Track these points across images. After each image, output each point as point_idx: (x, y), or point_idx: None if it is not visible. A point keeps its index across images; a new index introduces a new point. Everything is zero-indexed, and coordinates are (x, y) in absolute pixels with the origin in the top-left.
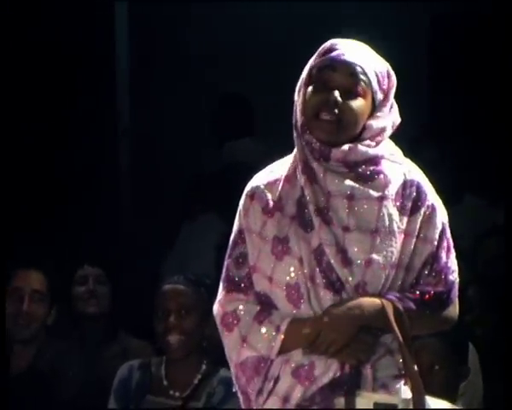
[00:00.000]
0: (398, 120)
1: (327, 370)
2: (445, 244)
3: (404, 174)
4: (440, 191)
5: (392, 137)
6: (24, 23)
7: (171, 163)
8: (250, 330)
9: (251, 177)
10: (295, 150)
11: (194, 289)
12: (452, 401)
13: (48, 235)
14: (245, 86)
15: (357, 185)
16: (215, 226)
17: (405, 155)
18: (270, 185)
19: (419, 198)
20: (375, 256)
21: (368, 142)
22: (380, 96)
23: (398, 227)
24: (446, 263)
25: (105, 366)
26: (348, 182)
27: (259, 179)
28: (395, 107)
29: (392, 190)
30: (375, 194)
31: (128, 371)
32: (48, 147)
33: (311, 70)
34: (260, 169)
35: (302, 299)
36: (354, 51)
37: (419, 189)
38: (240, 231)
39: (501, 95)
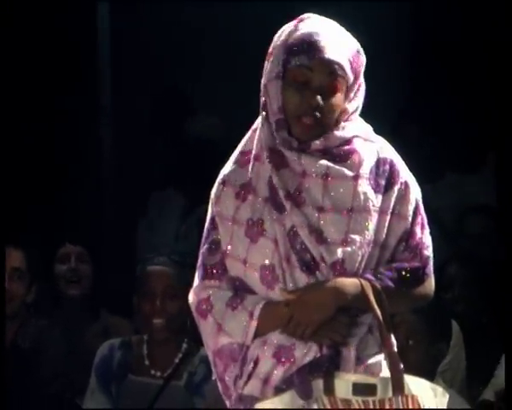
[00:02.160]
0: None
1: (308, 350)
2: (419, 220)
3: (377, 152)
4: (422, 168)
5: (373, 115)
6: (5, 21)
7: (153, 143)
8: (224, 316)
9: (214, 153)
10: (258, 127)
11: (179, 270)
12: (430, 378)
13: (28, 213)
14: (220, 75)
15: (332, 165)
16: (177, 202)
17: (387, 132)
18: (241, 169)
19: (392, 175)
20: (351, 235)
21: (342, 124)
22: (352, 77)
23: (373, 205)
24: (421, 239)
25: (86, 344)
26: (323, 162)
27: (230, 165)
28: (363, 84)
29: (366, 168)
30: (349, 173)
31: (109, 350)
32: (30, 130)
33: (285, 64)
34: (224, 146)
35: (277, 280)
36: (330, 45)
37: (392, 166)
38: (212, 219)
39: (483, 72)
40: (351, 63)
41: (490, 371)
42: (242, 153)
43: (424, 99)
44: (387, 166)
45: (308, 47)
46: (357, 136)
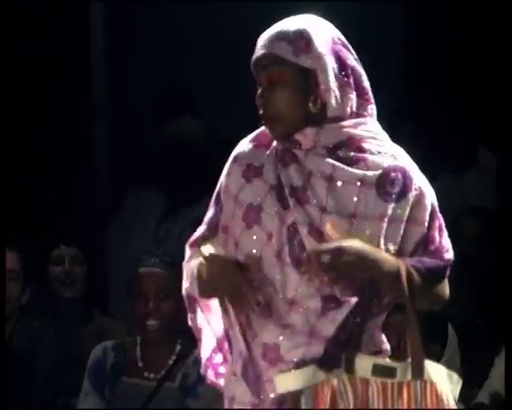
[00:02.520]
0: (364, 86)
1: (293, 348)
2: (436, 225)
3: (389, 160)
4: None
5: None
6: None
7: (146, 143)
8: (186, 267)
9: (191, 155)
10: None
11: (171, 272)
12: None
13: (22, 215)
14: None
15: (338, 167)
16: (156, 203)
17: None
18: (255, 150)
19: (405, 183)
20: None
21: (342, 123)
22: (307, 63)
23: (379, 213)
24: (440, 243)
25: (80, 346)
26: (329, 162)
27: (245, 143)
28: (355, 74)
29: (374, 175)
30: (355, 178)
31: (102, 352)
32: (24, 131)
33: None
34: (201, 148)
35: (260, 271)
36: (264, 41)
37: (405, 174)
38: (218, 193)
39: (477, 72)
40: (294, 50)
41: (484, 373)
42: (263, 134)
43: (418, 99)
44: (399, 175)
45: (254, 53)
46: (365, 140)
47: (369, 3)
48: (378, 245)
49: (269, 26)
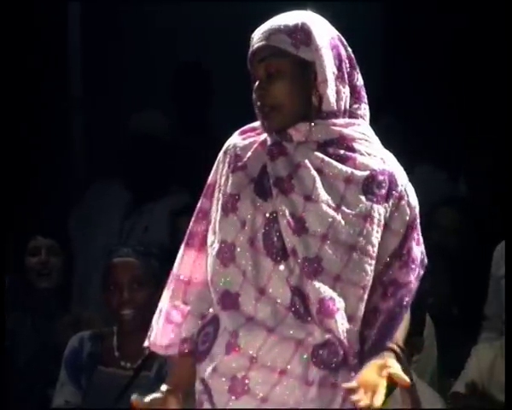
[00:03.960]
0: (357, 85)
1: (251, 341)
2: (415, 236)
3: (378, 162)
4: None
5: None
6: None
7: (123, 134)
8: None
9: (156, 149)
10: None
11: (144, 260)
12: (405, 372)
13: None
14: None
15: (327, 162)
16: (121, 197)
17: None
18: (244, 144)
19: (390, 189)
20: (331, 232)
21: (335, 121)
22: (307, 55)
23: (364, 212)
24: (416, 255)
25: (57, 337)
26: (319, 156)
27: (235, 136)
28: (349, 71)
29: (362, 175)
30: (343, 175)
31: (79, 343)
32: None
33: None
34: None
35: (232, 260)
36: (263, 34)
37: (391, 179)
38: (208, 186)
39: (457, 69)
40: (292, 41)
41: (461, 363)
42: (252, 129)
43: (397, 95)
44: (386, 178)
45: (250, 46)
46: (356, 140)
47: (349, 3)
48: (356, 243)
49: (246, 25)
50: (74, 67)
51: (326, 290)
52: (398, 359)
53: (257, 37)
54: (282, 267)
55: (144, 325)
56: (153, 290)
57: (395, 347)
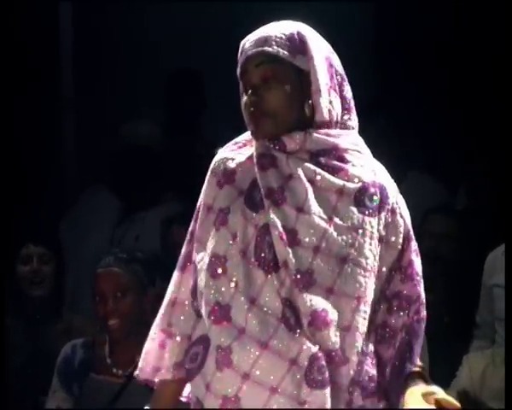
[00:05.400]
0: (347, 96)
1: (244, 356)
2: (413, 247)
3: (370, 174)
4: (387, 167)
5: None
6: None
7: (115, 137)
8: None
9: (147, 159)
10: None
11: (126, 268)
12: None
13: None
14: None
15: (319, 173)
16: (110, 203)
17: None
18: (229, 159)
19: (381, 201)
20: (323, 244)
21: (328, 131)
22: (303, 64)
23: (353, 224)
24: (418, 267)
25: (50, 345)
26: (311, 167)
27: (221, 152)
28: (341, 82)
29: (354, 187)
30: (335, 186)
31: (71, 350)
32: None
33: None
34: (158, 152)
35: (224, 273)
36: (252, 42)
37: (382, 191)
38: (197, 208)
39: (449, 70)
40: (289, 48)
41: (452, 371)
42: (235, 143)
43: (389, 98)
44: (378, 191)
45: (241, 55)
46: (348, 151)
47: (340, 3)
48: (348, 255)
49: (241, 27)
50: (66, 67)
51: (318, 302)
52: (426, 380)
53: (251, 43)
54: (273, 279)
55: (134, 332)
56: (139, 296)
57: (420, 369)
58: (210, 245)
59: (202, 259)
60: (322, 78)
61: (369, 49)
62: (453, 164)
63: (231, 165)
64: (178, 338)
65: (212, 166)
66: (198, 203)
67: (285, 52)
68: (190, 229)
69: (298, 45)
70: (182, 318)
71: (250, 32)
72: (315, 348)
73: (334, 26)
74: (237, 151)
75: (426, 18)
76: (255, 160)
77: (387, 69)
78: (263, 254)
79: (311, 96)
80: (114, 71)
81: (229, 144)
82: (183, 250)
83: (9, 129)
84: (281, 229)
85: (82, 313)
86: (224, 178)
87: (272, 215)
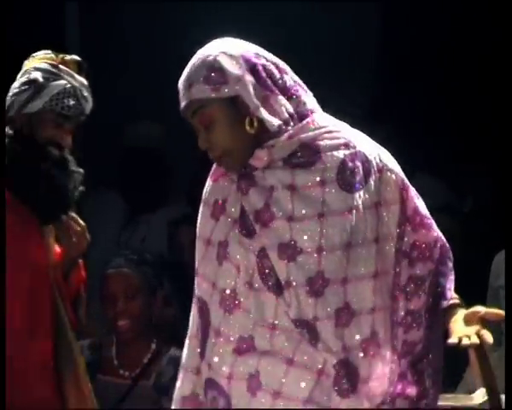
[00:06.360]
0: (289, 86)
1: (273, 376)
2: (411, 193)
3: (343, 150)
4: None
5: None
6: None
7: (121, 138)
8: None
9: (152, 161)
10: None
11: (137, 270)
12: None
13: None
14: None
15: (296, 173)
16: (116, 204)
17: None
18: (217, 186)
19: (364, 169)
20: (325, 242)
21: (290, 133)
22: (230, 93)
23: (346, 207)
24: (424, 208)
25: None
26: (287, 172)
27: (208, 182)
28: (274, 79)
29: (333, 171)
30: (315, 179)
31: None
32: None
33: None
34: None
35: (237, 306)
36: (183, 91)
37: (362, 160)
38: (197, 239)
39: (454, 72)
40: (212, 81)
41: (459, 373)
42: (218, 169)
43: (394, 99)
44: (357, 162)
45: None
46: (317, 138)
47: (344, 3)
48: (351, 240)
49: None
50: None
51: (333, 301)
52: (464, 307)
53: (181, 94)
54: (281, 300)
55: (142, 334)
56: (148, 298)
57: (457, 300)
58: (217, 281)
59: (211, 295)
60: (254, 93)
61: (374, 50)
62: (459, 165)
63: (221, 194)
64: (187, 373)
65: (203, 196)
66: (197, 234)
67: (209, 92)
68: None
69: (218, 78)
70: (190, 351)
71: (253, 34)
72: (339, 357)
73: (339, 27)
74: (222, 178)
75: (432, 19)
76: (236, 185)
77: (392, 70)
78: (267, 279)
79: (254, 114)
80: (121, 71)
81: (213, 172)
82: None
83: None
84: (277, 248)
85: (88, 314)
86: (217, 210)
87: (266, 238)
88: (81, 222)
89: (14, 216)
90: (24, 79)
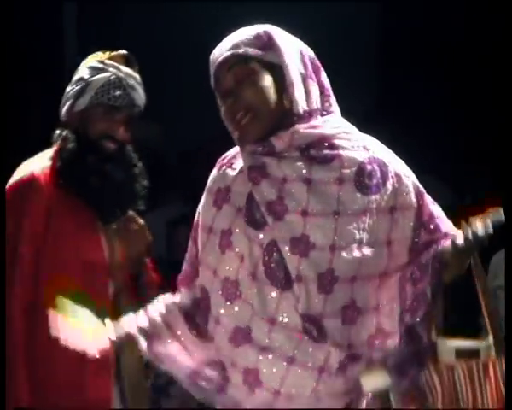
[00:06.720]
0: (324, 82)
1: (272, 373)
2: (427, 200)
3: (363, 153)
4: None
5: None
6: None
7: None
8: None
9: (147, 160)
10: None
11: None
12: None
13: None
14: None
15: (314, 168)
16: None
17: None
18: (221, 174)
19: (382, 174)
20: (339, 240)
21: (312, 123)
22: (273, 58)
23: (361, 208)
24: (440, 213)
25: None
26: (304, 165)
27: (213, 172)
28: (316, 69)
29: (351, 170)
30: (333, 177)
31: None
32: None
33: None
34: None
35: (239, 296)
36: (226, 45)
37: (380, 165)
38: (195, 228)
39: (455, 71)
40: (254, 45)
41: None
42: (224, 158)
43: (394, 99)
44: (375, 166)
45: (211, 66)
46: (336, 136)
47: (345, 3)
48: (362, 240)
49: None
50: (72, 68)
51: (341, 298)
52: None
53: (220, 49)
54: (288, 295)
55: None
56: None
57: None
58: (218, 269)
59: (212, 283)
60: (295, 69)
61: (375, 50)
62: (460, 166)
63: (225, 183)
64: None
65: (207, 184)
66: (194, 223)
67: (254, 50)
68: (189, 251)
69: (266, 42)
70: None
71: None
72: (344, 354)
73: (340, 26)
74: (228, 167)
75: (433, 18)
76: (246, 174)
77: (393, 70)
78: (274, 273)
79: (287, 89)
80: None
81: (220, 160)
82: (184, 267)
83: (12, 130)
84: (290, 242)
85: None
86: (220, 198)
87: (279, 231)
88: (140, 221)
89: (74, 217)
90: (73, 80)
